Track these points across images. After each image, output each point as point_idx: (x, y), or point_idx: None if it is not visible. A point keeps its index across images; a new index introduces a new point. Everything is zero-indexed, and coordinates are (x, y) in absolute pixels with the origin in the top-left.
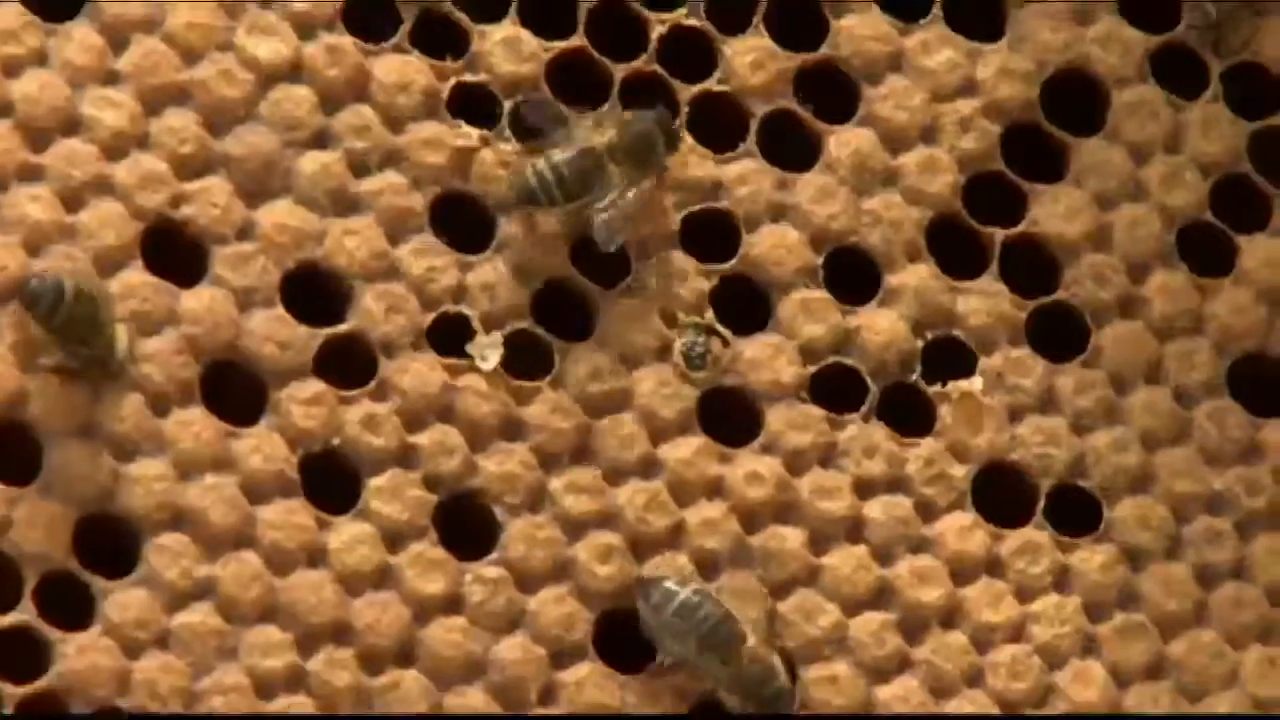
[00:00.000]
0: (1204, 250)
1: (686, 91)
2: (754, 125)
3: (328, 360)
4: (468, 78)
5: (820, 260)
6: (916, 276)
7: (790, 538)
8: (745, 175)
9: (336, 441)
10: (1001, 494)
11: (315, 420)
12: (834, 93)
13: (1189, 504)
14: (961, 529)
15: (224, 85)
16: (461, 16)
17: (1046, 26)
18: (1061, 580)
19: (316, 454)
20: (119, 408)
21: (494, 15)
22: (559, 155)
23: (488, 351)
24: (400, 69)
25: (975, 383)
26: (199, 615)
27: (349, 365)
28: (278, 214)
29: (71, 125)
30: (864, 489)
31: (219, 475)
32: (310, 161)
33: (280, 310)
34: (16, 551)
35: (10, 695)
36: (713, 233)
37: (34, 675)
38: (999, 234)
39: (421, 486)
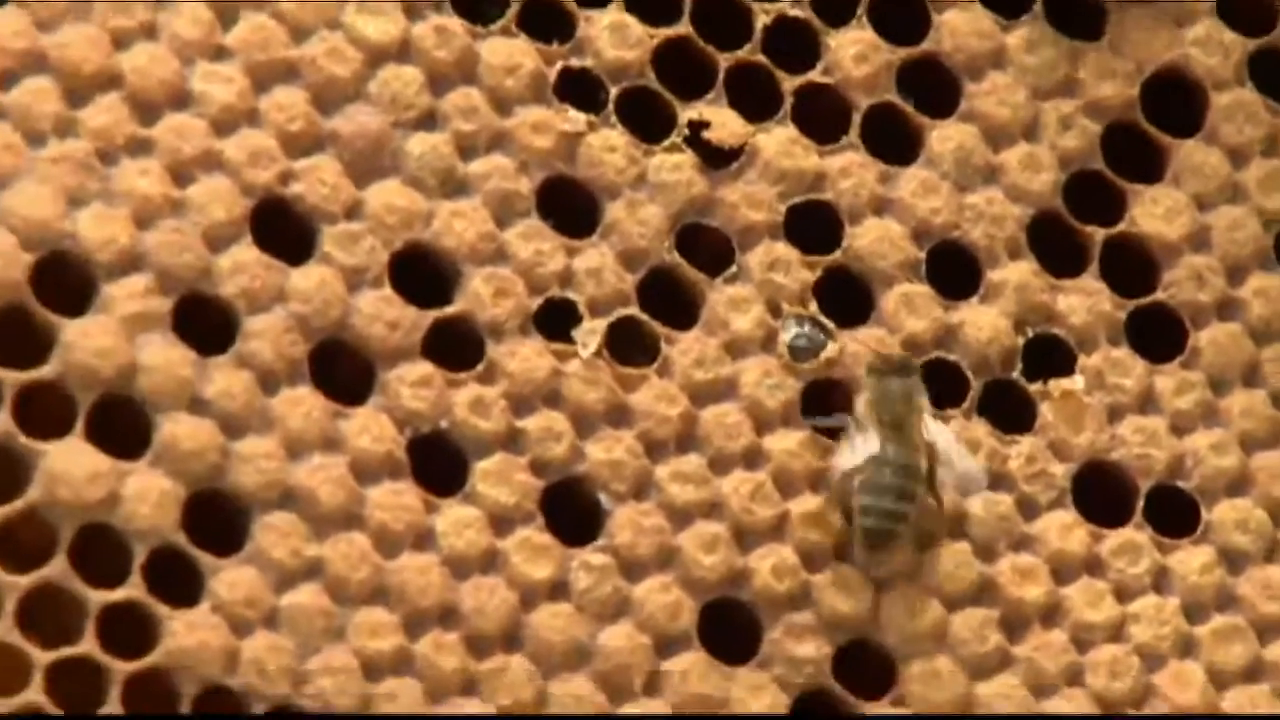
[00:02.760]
0: None
1: (790, 82)
2: (857, 118)
3: (436, 342)
4: (574, 62)
5: (923, 254)
6: (1018, 273)
7: None
8: (848, 168)
9: (444, 424)
10: (1102, 493)
11: (423, 402)
12: (936, 87)
13: None
14: (1062, 527)
15: (333, 63)
16: (569, 1)
17: (1146, 27)
18: (1160, 581)
19: (424, 435)
20: (229, 384)
21: (601, 0)
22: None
23: (588, 338)
24: (508, 52)
25: (1076, 381)
26: (307, 595)
27: (457, 347)
28: (386, 194)
29: (181, 99)
30: None
31: (327, 455)
32: (419, 142)
33: (389, 290)
34: (126, 526)
35: (119, 671)
36: (816, 224)
37: (143, 651)
38: (1099, 233)
39: (528, 471)
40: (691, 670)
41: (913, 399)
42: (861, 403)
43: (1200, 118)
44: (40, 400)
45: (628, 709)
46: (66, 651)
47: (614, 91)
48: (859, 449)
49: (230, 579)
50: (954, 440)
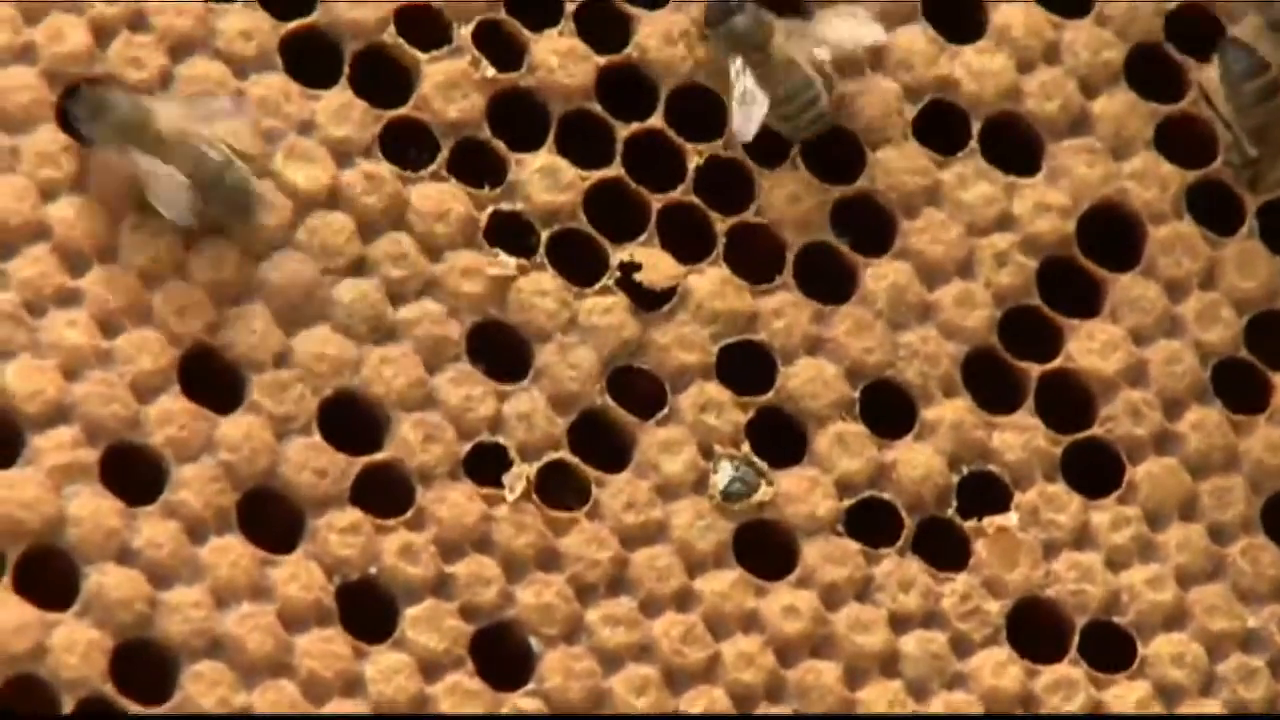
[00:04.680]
0: (1239, 387)
1: (723, 223)
2: (790, 257)
3: (364, 489)
4: (505, 206)
5: (856, 393)
6: (953, 411)
7: (826, 672)
8: (781, 307)
9: (373, 570)
10: (1036, 630)
11: (352, 549)
12: (871, 225)
13: (1223, 641)
14: (996, 664)
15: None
16: (499, 144)
17: (1083, 161)
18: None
19: (353, 582)
20: (157, 534)
21: (533, 144)
22: None
23: (517, 482)
24: (438, 197)
25: (1010, 518)
26: None
27: (386, 494)
28: (315, 342)
29: (109, 252)
30: (900, 623)
31: (256, 603)
32: (348, 289)
33: (317, 438)
34: (53, 677)
35: None
36: (749, 364)
37: None
38: (1035, 369)
39: (458, 617)
40: None
41: (760, 23)
42: (731, 72)
43: (1138, 251)
44: None
45: None
46: None
47: (545, 235)
48: (754, 114)
49: None
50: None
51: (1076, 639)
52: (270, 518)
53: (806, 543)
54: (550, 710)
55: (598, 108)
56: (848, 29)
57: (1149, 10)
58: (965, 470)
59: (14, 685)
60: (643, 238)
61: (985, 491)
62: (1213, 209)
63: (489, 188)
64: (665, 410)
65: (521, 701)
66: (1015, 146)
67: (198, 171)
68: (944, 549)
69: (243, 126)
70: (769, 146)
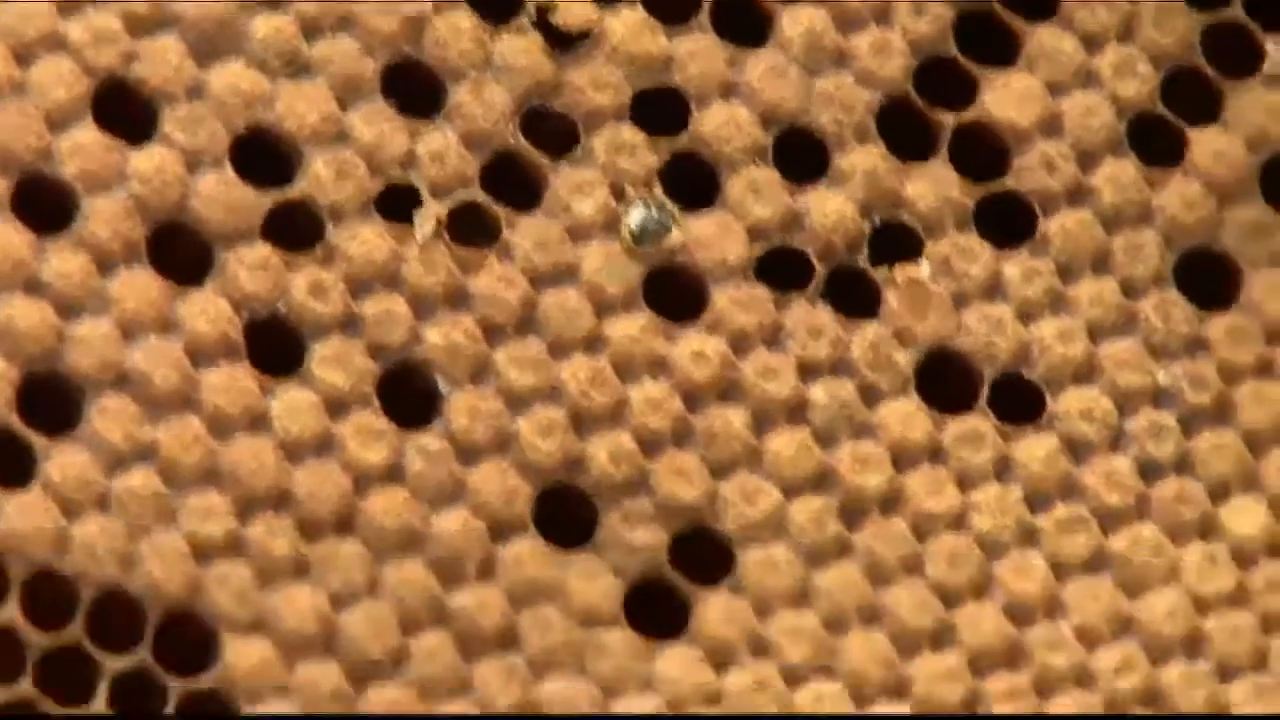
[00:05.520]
0: (1154, 141)
1: None
2: (706, 1)
3: (275, 224)
4: None
5: (770, 139)
6: (866, 158)
7: (734, 418)
8: (697, 51)
9: (282, 307)
10: (945, 381)
11: (261, 284)
12: None
13: (1133, 397)
14: (905, 414)
15: None
16: None
17: None
18: (1003, 470)
19: (261, 318)
20: (66, 265)
21: None
22: None
23: (428, 220)
24: None
25: (922, 267)
26: (139, 478)
27: (296, 230)
28: (229, 75)
29: None
30: (808, 371)
31: (163, 337)
32: (263, 23)
33: (229, 172)
34: None
35: None
36: (663, 108)
37: None
38: (950, 118)
39: (365, 355)
40: (526, 556)
41: None
42: None
43: (1055, 2)
44: None
45: (460, 594)
46: None
47: None
48: None
49: (62, 461)
50: None
51: (985, 391)
52: (180, 251)
53: (716, 288)
54: (454, 447)
55: None
56: None
57: None
58: (877, 219)
59: None
60: None
61: (897, 240)
62: None
63: None
64: (578, 151)
65: (426, 441)
66: None
67: None
68: (855, 297)
69: None
70: None
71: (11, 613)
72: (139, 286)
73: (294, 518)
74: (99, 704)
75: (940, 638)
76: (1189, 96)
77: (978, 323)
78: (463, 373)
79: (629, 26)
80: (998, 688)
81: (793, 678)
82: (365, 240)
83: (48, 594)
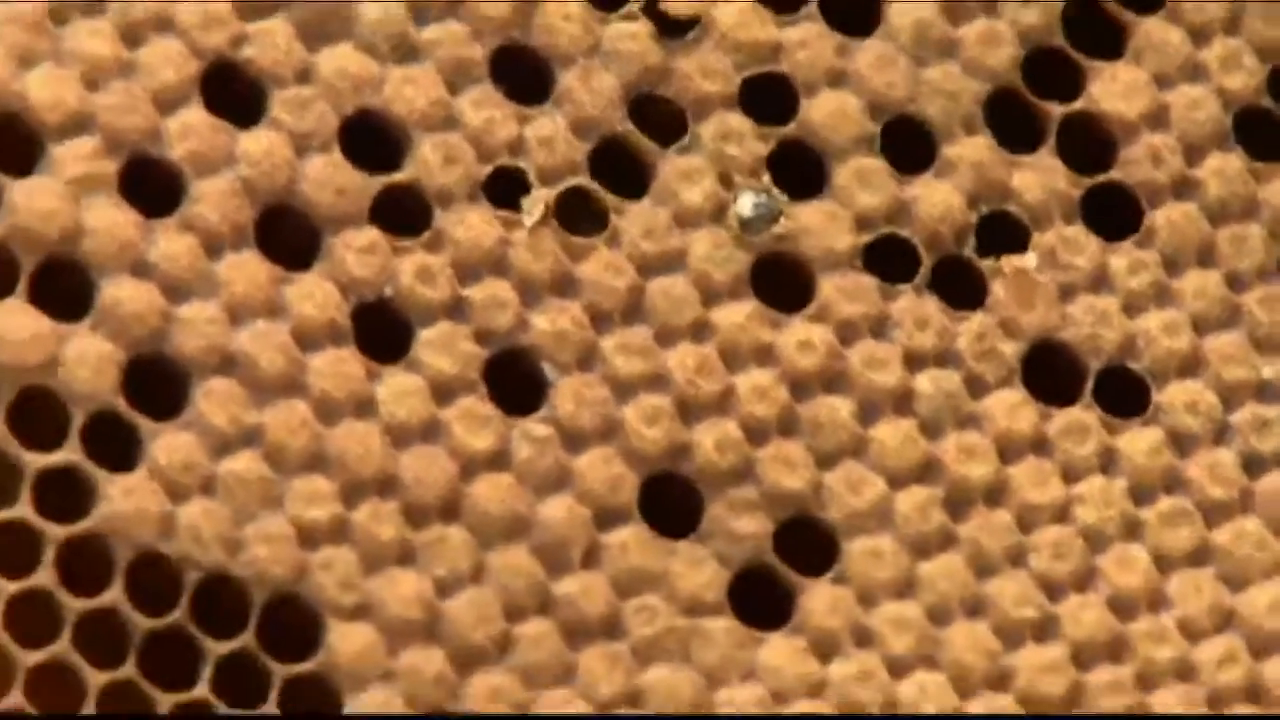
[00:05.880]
0: (1260, 135)
1: None
2: None
3: (383, 208)
4: None
5: (878, 129)
6: (973, 149)
7: (839, 407)
8: (805, 39)
9: (389, 291)
10: (1051, 372)
11: (369, 269)
12: None
13: (1238, 390)
14: (1010, 406)
15: None
16: None
17: None
18: (1107, 462)
19: (369, 303)
20: (173, 248)
21: None
22: None
23: (536, 206)
24: None
25: (1029, 259)
26: (245, 462)
27: (404, 214)
28: (338, 58)
29: None
30: (914, 361)
31: (270, 321)
32: (373, 7)
33: (337, 156)
34: (65, 389)
35: (53, 535)
36: (771, 96)
37: (78, 516)
38: (1057, 110)
39: (472, 340)
40: (631, 543)
41: None
42: None
43: None
44: None
45: (565, 581)
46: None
47: None
48: None
49: (168, 444)
50: None
51: (1091, 383)
52: (287, 235)
53: (824, 277)
54: (560, 435)
55: None
56: None
57: None
58: (984, 209)
59: (25, 399)
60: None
61: (1004, 231)
62: None
63: None
64: (686, 139)
65: (533, 427)
66: None
67: None
68: (961, 288)
69: None
70: None
71: (116, 595)
72: (247, 270)
73: (400, 503)
74: (202, 688)
75: (1044, 630)
76: None
77: (1083, 314)
78: (570, 359)
79: (738, 14)
80: (1100, 680)
81: (896, 668)
82: (473, 226)
83: (152, 578)
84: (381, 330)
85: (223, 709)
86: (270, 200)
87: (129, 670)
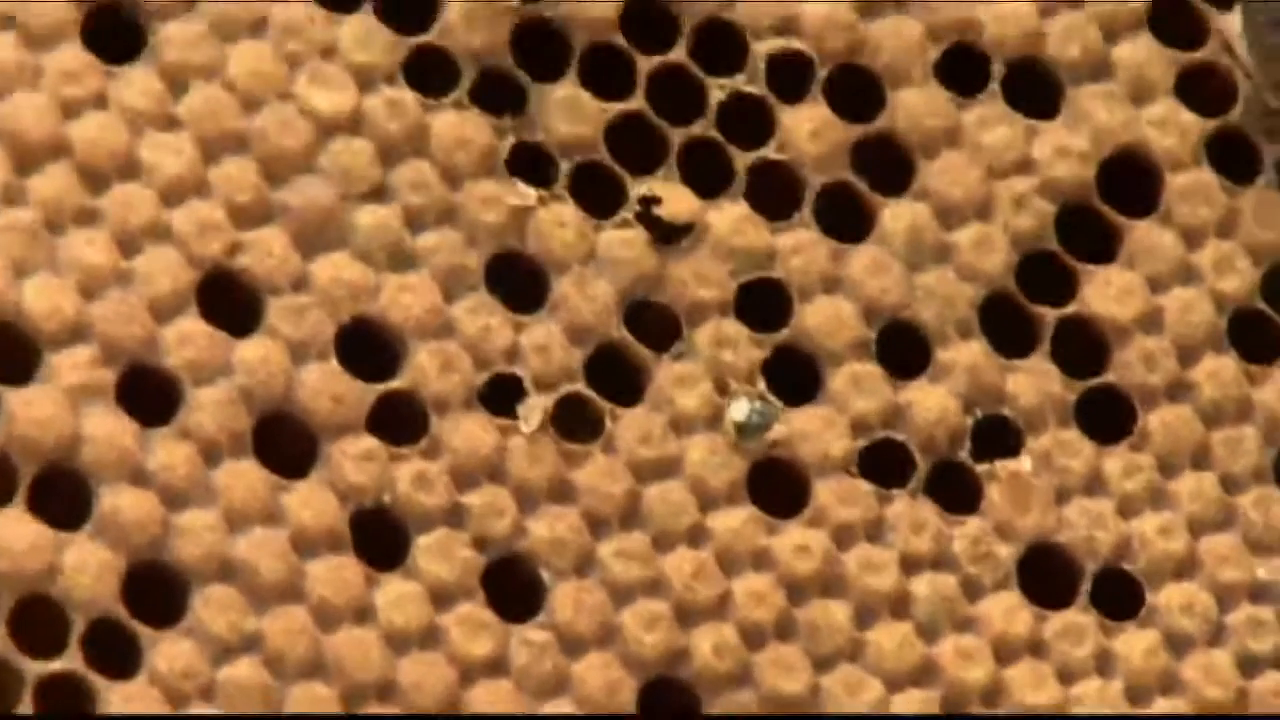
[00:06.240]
0: (1254, 337)
1: (744, 158)
2: (809, 195)
3: (380, 416)
4: (526, 136)
5: (873, 334)
6: (968, 353)
7: (836, 611)
8: (799, 245)
9: (387, 498)
10: (1047, 575)
11: (366, 476)
12: (890, 165)
13: (1233, 592)
14: (1007, 609)
15: (283, 135)
16: (522, 74)
17: (1103, 107)
18: (1104, 664)
19: (367, 510)
20: (171, 456)
21: (555, 74)
22: None
23: (533, 413)
24: (459, 125)
25: (1023, 462)
26: (245, 669)
27: (401, 422)
28: (334, 267)
29: (130, 170)
30: (910, 565)
31: (269, 528)
32: (367, 215)
33: (334, 364)
34: (65, 597)
35: None
36: (766, 302)
37: None
38: (1050, 314)
39: (470, 547)
40: None
41: None
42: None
43: (1156, 198)
44: None
45: None
46: None
47: (565, 166)
48: None
49: (169, 651)
50: None
51: (1087, 585)
52: (285, 443)
53: (819, 482)
54: (559, 640)
55: (620, 39)
56: None
57: None
58: (979, 413)
59: (26, 607)
60: (663, 172)
61: (998, 435)
62: (1232, 158)
63: (510, 117)
64: (681, 345)
65: (531, 633)
66: (1036, 90)
67: None
68: (956, 492)
69: None
70: (790, 82)
71: None
72: (245, 478)
73: (400, 708)
74: None
75: None
76: None
77: (1079, 517)
78: (567, 565)
79: (732, 220)
80: None
81: None
82: (470, 433)
83: None
84: (380, 537)
85: None
86: (267, 408)
87: None
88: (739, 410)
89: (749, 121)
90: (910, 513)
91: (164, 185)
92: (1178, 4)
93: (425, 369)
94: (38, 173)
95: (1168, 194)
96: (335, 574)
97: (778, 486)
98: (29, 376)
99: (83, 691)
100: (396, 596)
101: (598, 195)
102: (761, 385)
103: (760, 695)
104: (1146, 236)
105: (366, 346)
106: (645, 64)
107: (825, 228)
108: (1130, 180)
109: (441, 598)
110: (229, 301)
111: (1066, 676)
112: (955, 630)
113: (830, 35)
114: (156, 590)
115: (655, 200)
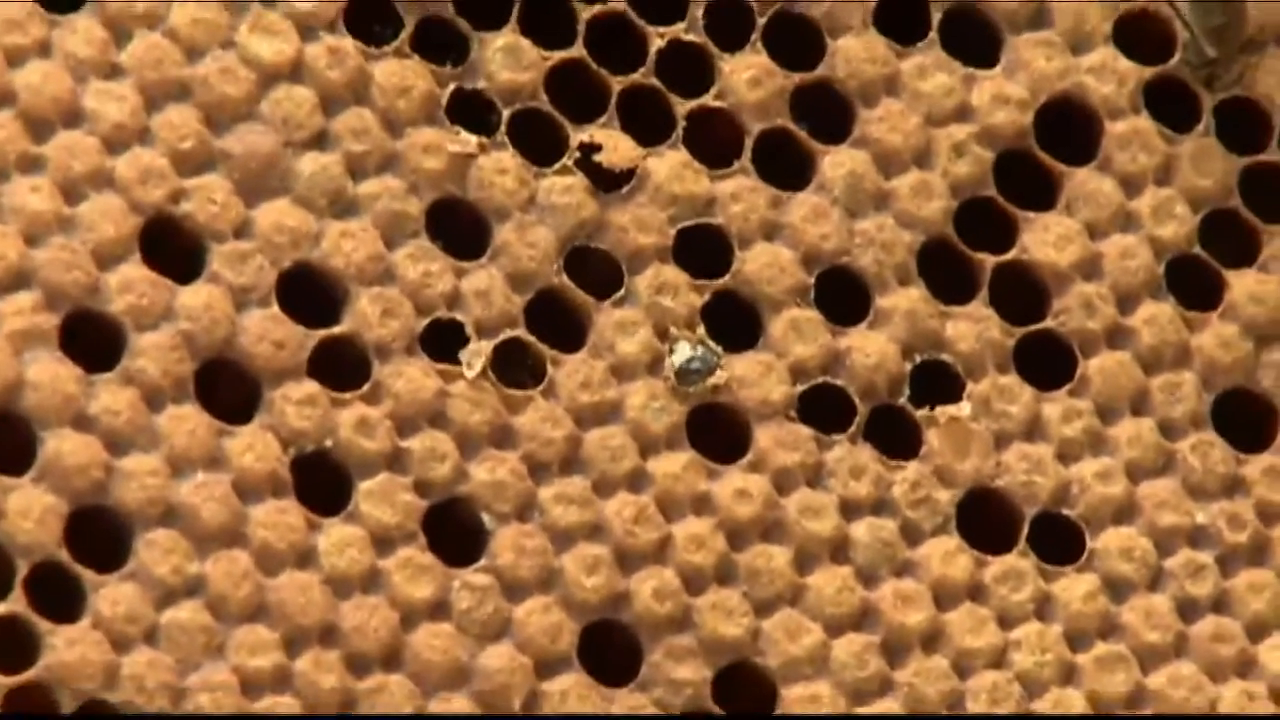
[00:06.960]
0: (1192, 283)
1: (683, 106)
2: (749, 143)
3: (321, 361)
4: (466, 84)
5: (812, 280)
6: (907, 299)
7: (776, 556)
8: (739, 192)
9: (329, 443)
10: (986, 520)
11: (308, 421)
12: (829, 113)
13: (1172, 536)
14: (945, 553)
15: (225, 83)
16: (463, 23)
17: (1041, 54)
18: (1043, 608)
19: (308, 454)
20: (114, 401)
21: (495, 22)
22: None
23: (474, 359)
24: (400, 73)
25: (963, 408)
26: (188, 612)
27: (343, 367)
28: (276, 213)
29: (73, 117)
30: (850, 510)
31: (211, 472)
32: (309, 162)
33: (276, 310)
34: (8, 541)
35: None
36: (706, 248)
37: (23, 666)
38: (990, 260)
39: (412, 491)
40: (571, 691)
41: None
42: None
43: (1094, 145)
44: None
45: None
46: None
47: (506, 114)
48: None
49: (112, 595)
50: None
51: (1026, 530)
52: (227, 388)
53: (759, 427)
54: (500, 584)
55: None
56: None
57: None
58: (918, 359)
59: None
60: (603, 119)
61: (938, 381)
62: (1170, 106)
63: (451, 65)
64: (622, 291)
65: (472, 577)
66: (974, 38)
67: None
68: (896, 437)
69: None
70: (730, 31)
71: None
72: (187, 422)
73: (341, 652)
74: None
75: None
76: (1227, 239)
77: (1018, 462)
78: (508, 509)
79: (672, 167)
80: None
81: None
82: (411, 378)
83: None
84: (321, 482)
85: None
86: (210, 354)
87: None
88: (679, 356)
89: (689, 69)
90: (850, 458)
91: (107, 132)
92: None
93: (367, 315)
94: None
95: (1106, 141)
96: (277, 518)
97: (718, 431)
98: None
99: (25, 635)
100: (338, 540)
101: (538, 143)
102: (701, 331)
103: (700, 638)
104: (1085, 183)
105: (308, 292)
106: (585, 12)
107: (765, 175)
108: (1069, 127)
109: (383, 542)
110: (171, 248)
111: (1006, 621)
112: (895, 575)
113: None
114: (99, 534)
115: (595, 147)
